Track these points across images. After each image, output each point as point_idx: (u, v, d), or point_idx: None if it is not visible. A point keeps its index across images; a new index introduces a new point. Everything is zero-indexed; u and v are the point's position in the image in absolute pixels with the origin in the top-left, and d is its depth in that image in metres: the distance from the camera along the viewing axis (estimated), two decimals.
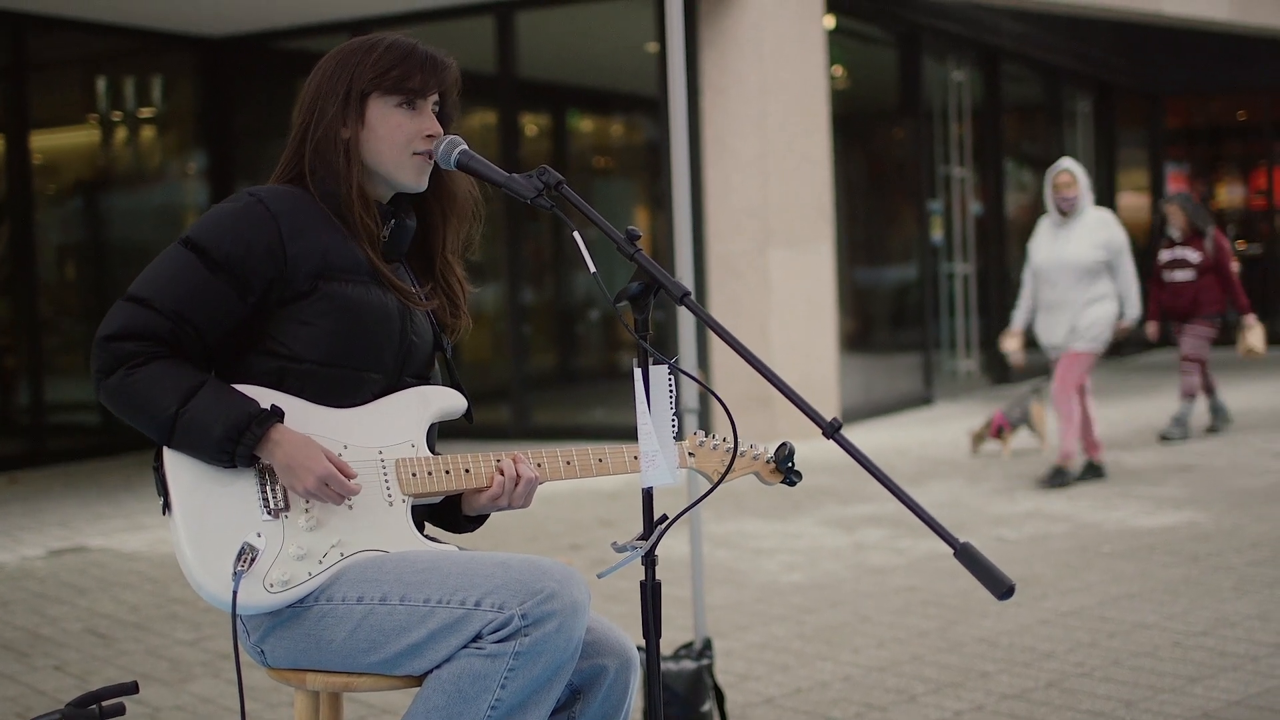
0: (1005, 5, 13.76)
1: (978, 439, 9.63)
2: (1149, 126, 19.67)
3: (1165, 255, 10.55)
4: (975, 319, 14.77)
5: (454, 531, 2.75)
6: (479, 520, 2.73)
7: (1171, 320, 10.51)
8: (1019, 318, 8.82)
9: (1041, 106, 17.25)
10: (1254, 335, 10.17)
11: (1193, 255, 10.36)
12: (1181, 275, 10.39)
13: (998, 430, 9.51)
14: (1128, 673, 4.58)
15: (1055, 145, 17.22)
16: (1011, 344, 8.87)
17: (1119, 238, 8.50)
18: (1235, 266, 10.51)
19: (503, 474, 2.61)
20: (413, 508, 2.58)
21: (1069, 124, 17.62)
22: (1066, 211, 8.48)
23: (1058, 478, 8.31)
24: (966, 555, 2.17)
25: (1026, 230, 17.09)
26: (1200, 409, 10.97)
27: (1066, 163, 8.64)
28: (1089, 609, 5.42)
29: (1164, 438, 10.12)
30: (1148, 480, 8.48)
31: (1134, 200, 19.55)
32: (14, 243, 10.86)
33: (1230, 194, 19.73)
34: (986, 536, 6.90)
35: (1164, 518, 7.25)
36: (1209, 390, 10.47)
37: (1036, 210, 17.34)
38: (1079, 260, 8.41)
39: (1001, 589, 2.14)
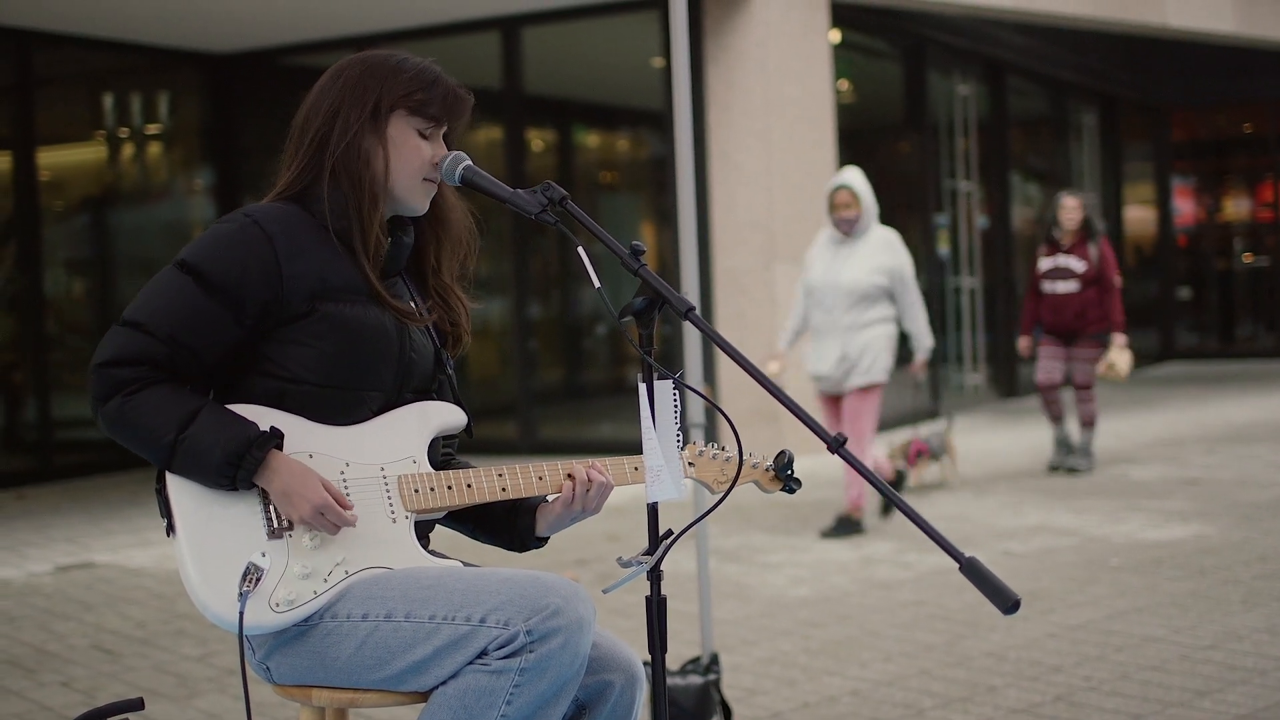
0: (1011, 19, 13.77)
1: (894, 457, 8.65)
2: (1155, 140, 19.67)
3: (1045, 264, 9.52)
4: (982, 333, 14.77)
5: (519, 551, 2.74)
6: (545, 539, 2.72)
7: (1052, 335, 9.51)
8: (785, 338, 7.98)
9: (1047, 120, 17.27)
10: (1121, 357, 9.25)
11: (1077, 264, 9.37)
12: (1064, 286, 9.39)
13: (916, 455, 8.76)
14: (1136, 687, 4.57)
15: (1061, 158, 17.23)
16: (774, 367, 7.84)
17: (903, 263, 7.61)
18: (1118, 280, 9.52)
19: (572, 478, 2.60)
20: (416, 523, 2.58)
21: (1075, 137, 17.64)
22: (846, 233, 7.60)
23: (845, 527, 7.48)
24: (972, 570, 2.17)
25: (1033, 244, 17.16)
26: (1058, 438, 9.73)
27: (846, 176, 7.68)
28: (1096, 623, 5.41)
29: (1071, 470, 9.36)
30: (1154, 493, 8.45)
31: (1141, 214, 19.54)
32: (21, 259, 10.89)
33: (1237, 207, 19.71)
34: (993, 550, 6.89)
35: (1171, 531, 7.23)
36: (1059, 420, 9.55)
37: (1043, 224, 17.41)
38: (854, 285, 7.54)
39: (1007, 603, 2.13)
